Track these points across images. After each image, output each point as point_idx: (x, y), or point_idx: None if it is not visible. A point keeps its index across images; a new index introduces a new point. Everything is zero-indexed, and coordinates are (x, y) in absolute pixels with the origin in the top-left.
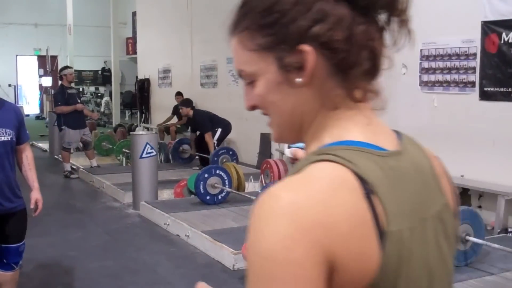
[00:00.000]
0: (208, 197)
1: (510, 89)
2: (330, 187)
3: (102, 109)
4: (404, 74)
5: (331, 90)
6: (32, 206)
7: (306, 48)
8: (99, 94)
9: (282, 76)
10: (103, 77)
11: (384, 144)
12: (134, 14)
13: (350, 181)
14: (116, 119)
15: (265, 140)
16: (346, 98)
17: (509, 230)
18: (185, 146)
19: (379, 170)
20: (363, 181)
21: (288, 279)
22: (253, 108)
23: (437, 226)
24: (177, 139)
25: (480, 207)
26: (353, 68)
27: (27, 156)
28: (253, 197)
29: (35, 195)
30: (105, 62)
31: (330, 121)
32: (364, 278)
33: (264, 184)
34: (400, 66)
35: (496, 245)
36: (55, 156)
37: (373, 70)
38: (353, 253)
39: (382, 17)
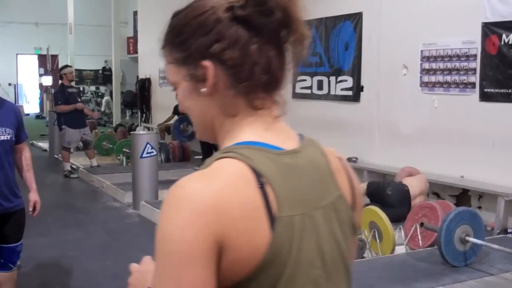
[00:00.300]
0: None
1: (510, 90)
2: (228, 178)
3: (102, 109)
4: (404, 75)
5: (232, 99)
6: (30, 208)
7: (207, 63)
8: (100, 94)
9: (192, 86)
10: (103, 76)
11: (282, 145)
12: (135, 13)
13: (247, 174)
14: (116, 119)
15: None
16: (247, 106)
17: (509, 230)
18: (186, 124)
19: (273, 165)
20: (257, 174)
21: (181, 255)
22: (182, 110)
23: (331, 214)
24: (177, 118)
25: (480, 207)
26: (249, 81)
27: (26, 157)
28: None
29: (33, 196)
30: (106, 61)
31: (235, 125)
32: (254, 256)
33: None
34: (401, 67)
35: (495, 246)
36: (55, 156)
37: (271, 83)
38: (244, 235)
39: (282, 35)
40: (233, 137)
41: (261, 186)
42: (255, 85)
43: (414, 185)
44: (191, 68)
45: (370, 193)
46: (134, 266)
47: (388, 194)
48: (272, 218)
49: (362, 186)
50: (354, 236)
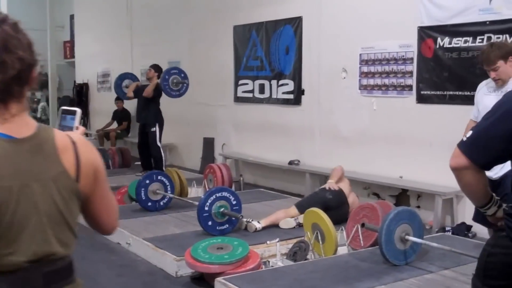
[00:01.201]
0: (149, 204)
1: (445, 92)
2: None
3: (38, 115)
4: (344, 78)
5: None
6: None
7: None
8: (36, 99)
9: None
10: (39, 81)
11: (15, 134)
12: (72, 17)
13: None
14: (53, 125)
15: (208, 144)
16: None
17: (447, 229)
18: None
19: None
20: None
21: None
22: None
23: (50, 184)
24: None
25: (418, 207)
26: None
27: None
28: (196, 203)
29: None
30: (41, 66)
31: None
32: None
33: (207, 189)
34: (340, 70)
35: (434, 244)
36: None
37: None
38: None
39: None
40: None
41: None
42: None
43: (343, 186)
44: None
45: (310, 205)
46: None
47: (329, 198)
48: None
49: (98, 162)
50: (79, 200)
